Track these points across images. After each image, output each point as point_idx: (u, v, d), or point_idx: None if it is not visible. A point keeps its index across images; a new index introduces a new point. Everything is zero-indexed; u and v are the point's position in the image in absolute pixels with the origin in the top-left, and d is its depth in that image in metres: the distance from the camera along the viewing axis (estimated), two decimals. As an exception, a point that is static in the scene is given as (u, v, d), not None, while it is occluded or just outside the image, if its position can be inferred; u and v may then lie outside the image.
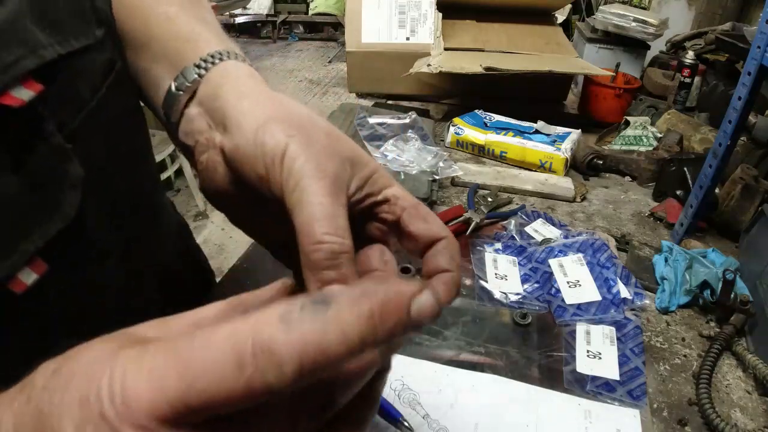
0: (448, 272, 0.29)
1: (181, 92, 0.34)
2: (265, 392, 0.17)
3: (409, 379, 0.53)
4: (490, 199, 0.86)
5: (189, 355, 0.17)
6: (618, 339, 0.60)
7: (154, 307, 0.54)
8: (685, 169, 0.89)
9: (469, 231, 0.78)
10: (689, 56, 1.25)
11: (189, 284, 0.63)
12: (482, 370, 0.56)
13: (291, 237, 0.29)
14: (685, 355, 0.61)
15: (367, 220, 0.31)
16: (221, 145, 0.31)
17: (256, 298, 0.26)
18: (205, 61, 0.35)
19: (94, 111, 0.36)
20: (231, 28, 6.19)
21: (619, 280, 0.68)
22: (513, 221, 0.80)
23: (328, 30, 6.20)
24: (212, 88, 0.33)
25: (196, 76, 0.34)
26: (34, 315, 0.34)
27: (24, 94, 0.28)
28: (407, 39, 1.27)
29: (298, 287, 0.30)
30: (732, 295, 0.63)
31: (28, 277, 0.30)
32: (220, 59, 0.35)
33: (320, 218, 0.25)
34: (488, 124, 1.08)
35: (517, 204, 0.90)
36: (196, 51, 0.36)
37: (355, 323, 0.17)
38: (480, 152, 1.06)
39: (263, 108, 0.30)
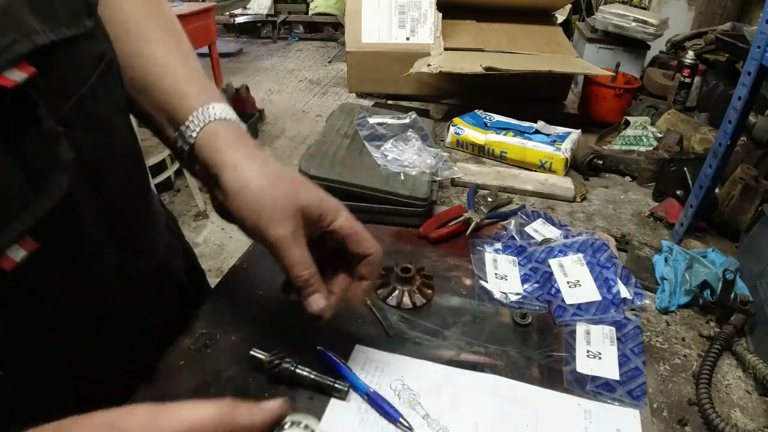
0: (364, 279, 0.49)
1: (184, 150, 0.46)
2: None
3: (409, 379, 0.53)
4: (490, 199, 0.86)
5: None
6: (618, 339, 0.60)
7: (153, 305, 0.54)
8: (685, 169, 0.89)
9: (469, 231, 0.78)
10: (689, 56, 1.25)
11: (184, 282, 0.63)
12: (482, 370, 0.56)
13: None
14: (685, 355, 0.61)
15: (326, 240, 0.47)
16: (221, 198, 0.45)
17: (247, 416, 0.33)
18: (193, 122, 0.45)
19: (84, 99, 0.38)
20: (231, 28, 6.19)
21: (619, 280, 0.67)
22: (513, 221, 0.80)
23: (328, 30, 6.20)
24: (207, 153, 0.44)
25: (191, 141, 0.45)
26: (26, 294, 0.35)
27: (17, 75, 0.30)
28: (407, 39, 1.27)
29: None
30: (732, 295, 0.63)
31: (17, 254, 0.31)
32: (207, 122, 0.45)
33: (295, 263, 0.43)
34: (488, 124, 1.08)
35: (517, 204, 0.90)
36: (188, 109, 0.45)
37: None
38: (480, 152, 1.06)
39: (243, 186, 0.43)
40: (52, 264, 0.36)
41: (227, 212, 0.45)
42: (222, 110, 0.45)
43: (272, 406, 0.34)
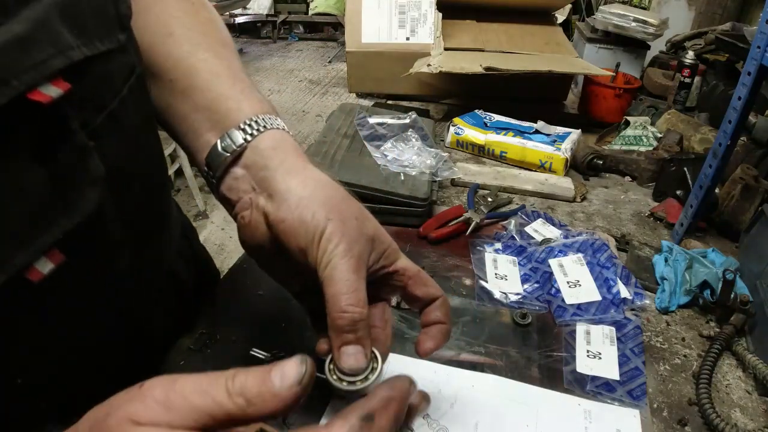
0: (443, 324, 0.40)
1: (227, 153, 0.40)
2: None
3: (409, 379, 0.53)
4: (490, 199, 0.86)
5: None
6: (618, 339, 0.60)
7: (161, 304, 0.54)
8: (685, 169, 0.89)
9: (469, 231, 0.78)
10: (689, 56, 1.25)
11: (190, 284, 0.63)
12: (482, 370, 0.56)
13: (310, 290, 0.39)
14: (685, 355, 0.61)
15: (379, 283, 0.39)
16: (265, 210, 0.37)
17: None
18: (249, 126, 0.40)
19: (115, 112, 0.37)
20: (231, 28, 6.19)
21: (619, 280, 0.67)
22: (513, 221, 0.80)
23: (328, 30, 6.20)
24: (260, 158, 0.39)
25: (242, 141, 0.39)
26: (49, 304, 0.35)
27: (52, 91, 0.29)
28: (407, 39, 1.27)
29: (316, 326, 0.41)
30: (732, 295, 0.63)
31: (45, 267, 0.31)
32: (264, 127, 0.40)
33: (345, 292, 0.32)
34: (488, 124, 1.08)
35: (517, 204, 0.90)
36: (240, 113, 0.41)
37: (387, 428, 0.28)
38: (480, 152, 1.06)
39: (309, 188, 0.36)
40: (76, 274, 0.35)
41: (255, 231, 0.39)
42: (278, 118, 0.43)
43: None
